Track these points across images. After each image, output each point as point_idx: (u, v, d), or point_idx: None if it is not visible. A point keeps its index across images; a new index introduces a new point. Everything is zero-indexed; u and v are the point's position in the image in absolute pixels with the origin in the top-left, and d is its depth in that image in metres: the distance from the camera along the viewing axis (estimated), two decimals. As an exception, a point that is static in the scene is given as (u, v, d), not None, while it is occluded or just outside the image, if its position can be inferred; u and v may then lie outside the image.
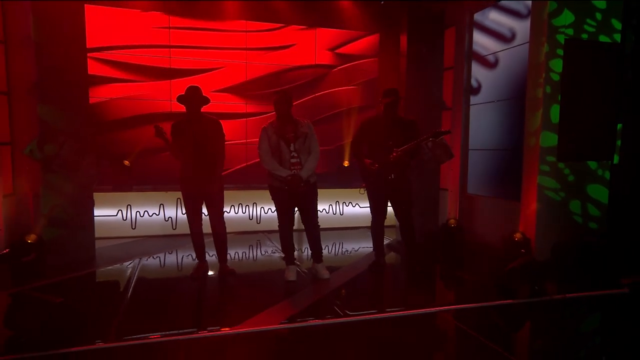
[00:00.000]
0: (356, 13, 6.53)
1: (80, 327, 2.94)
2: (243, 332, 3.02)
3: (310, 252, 4.36)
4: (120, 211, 5.77)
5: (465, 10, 5.94)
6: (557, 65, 4.58)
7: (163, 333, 2.94)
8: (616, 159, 4.99)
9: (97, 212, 5.34)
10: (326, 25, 6.98)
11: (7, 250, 4.33)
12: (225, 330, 3.03)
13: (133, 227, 5.81)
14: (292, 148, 3.97)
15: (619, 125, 4.96)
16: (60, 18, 4.58)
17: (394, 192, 4.46)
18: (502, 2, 5.42)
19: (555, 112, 4.65)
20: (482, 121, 5.87)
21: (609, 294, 3.95)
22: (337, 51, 7.38)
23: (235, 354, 2.83)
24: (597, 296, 3.91)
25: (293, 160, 3.97)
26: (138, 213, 5.82)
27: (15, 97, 5.15)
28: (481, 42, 5.85)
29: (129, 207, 5.80)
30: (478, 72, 5.93)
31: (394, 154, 4.17)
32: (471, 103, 6.06)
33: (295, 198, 4.07)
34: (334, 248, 5.68)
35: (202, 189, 4.01)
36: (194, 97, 3.97)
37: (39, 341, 2.69)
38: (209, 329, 3.05)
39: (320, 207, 6.62)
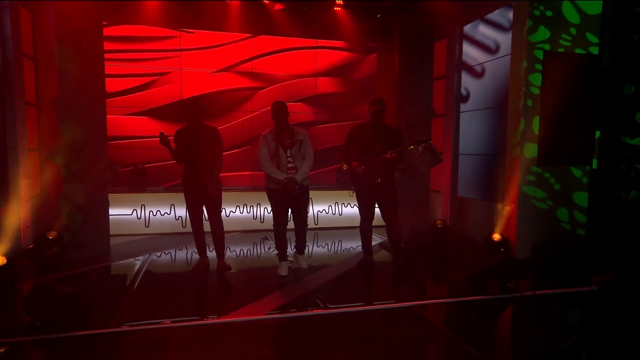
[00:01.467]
0: (354, 26, 6.70)
1: (86, 314, 3.21)
2: (228, 321, 3.26)
3: (294, 244, 4.67)
4: (135, 210, 6.10)
5: (456, 23, 6.07)
6: (537, 79, 4.67)
7: (159, 320, 3.20)
8: (595, 164, 5.05)
9: (113, 211, 5.68)
10: (326, 38, 7.17)
11: (32, 245, 4.69)
12: (213, 319, 3.28)
13: (147, 225, 6.13)
14: (288, 154, 4.22)
15: (597, 133, 5.03)
16: (80, 37, 4.90)
17: (380, 195, 4.65)
18: (488, 15, 5.53)
19: (537, 123, 4.74)
20: (471, 127, 5.99)
21: (578, 291, 4.06)
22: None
23: (221, 341, 3.06)
24: (566, 293, 4.02)
25: (289, 165, 4.22)
26: (151, 212, 6.15)
27: (42, 109, 5.53)
28: (470, 53, 5.97)
29: (143, 207, 6.13)
30: (467, 81, 6.05)
31: (388, 155, 4.34)
32: (461, 110, 6.18)
33: (290, 199, 4.30)
34: (332, 246, 5.87)
35: (201, 191, 4.27)
36: (194, 107, 4.24)
37: (50, 325, 2.99)
38: (204, 317, 3.30)
39: (320, 208, 6.88)
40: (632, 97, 4.95)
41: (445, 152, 6.34)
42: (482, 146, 5.77)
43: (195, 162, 4.25)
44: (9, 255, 3.96)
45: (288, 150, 4.22)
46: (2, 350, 2.80)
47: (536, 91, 4.69)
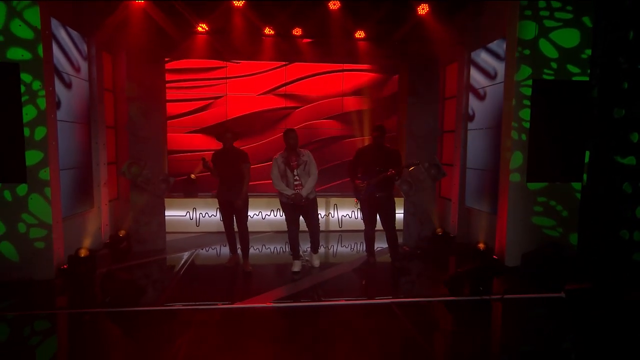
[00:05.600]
0: (377, 52, 7.30)
1: (140, 294, 4.25)
2: (237, 307, 4.15)
3: (310, 246, 5.46)
4: (188, 212, 7.25)
5: (464, 49, 6.51)
6: (526, 114, 5.05)
7: (192, 302, 4.17)
8: (585, 180, 5.32)
9: (170, 212, 6.84)
10: (351, 62, 7.83)
11: (108, 240, 5.93)
12: (224, 305, 4.19)
13: (197, 225, 7.26)
14: (295, 173, 5.03)
15: (587, 153, 5.28)
16: (145, 74, 6.03)
17: (380, 207, 5.30)
18: (489, 44, 5.93)
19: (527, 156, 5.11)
20: (476, 144, 6.41)
21: (545, 297, 4.45)
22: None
23: (231, 322, 3.95)
24: (533, 298, 4.44)
25: (296, 182, 5.04)
26: (201, 214, 7.26)
27: (119, 131, 6.81)
28: (475, 77, 6.38)
29: (194, 209, 7.26)
30: (473, 102, 6.47)
31: (389, 172, 4.99)
32: (469, 128, 6.61)
33: (299, 209, 5.11)
34: (351, 247, 6.58)
35: (231, 202, 5.19)
36: (227, 134, 5.16)
37: (115, 302, 4.07)
38: (223, 302, 4.24)
39: (343, 213, 7.61)
40: (622, 119, 5.15)
41: (454, 166, 6.81)
42: (485, 162, 6.18)
43: (226, 178, 5.19)
44: (92, 248, 5.14)
45: (295, 170, 5.02)
46: (86, 317, 3.91)
47: (527, 125, 5.05)
